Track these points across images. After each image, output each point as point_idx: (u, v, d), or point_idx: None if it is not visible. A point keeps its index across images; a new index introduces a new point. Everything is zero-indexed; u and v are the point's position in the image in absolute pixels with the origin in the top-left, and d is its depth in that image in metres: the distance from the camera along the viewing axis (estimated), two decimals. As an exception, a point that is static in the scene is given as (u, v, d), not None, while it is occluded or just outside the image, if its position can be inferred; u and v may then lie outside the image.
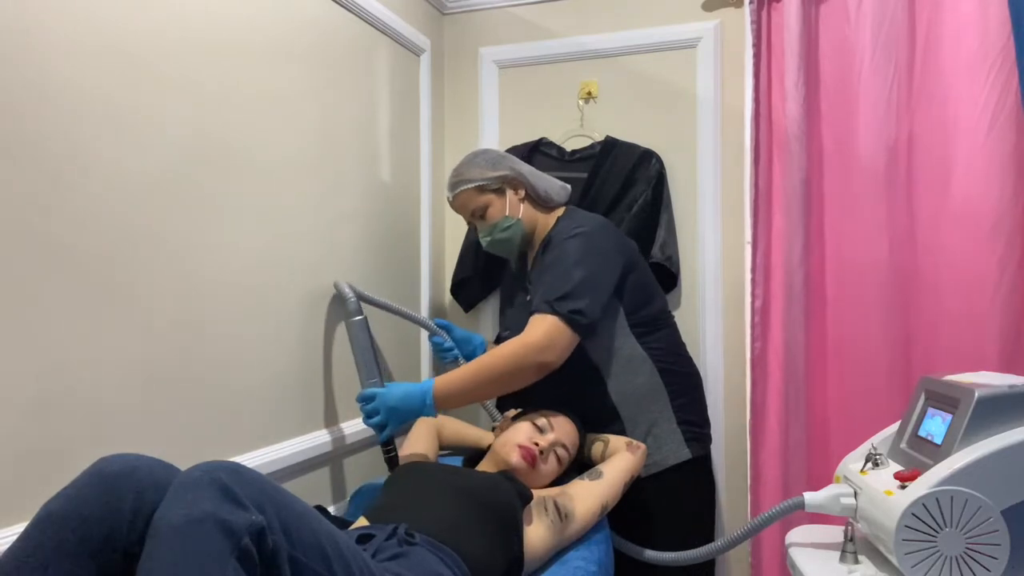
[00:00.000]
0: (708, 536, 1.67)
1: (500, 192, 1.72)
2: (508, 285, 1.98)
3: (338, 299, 1.75)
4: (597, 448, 1.66)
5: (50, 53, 1.09)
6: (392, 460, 1.61)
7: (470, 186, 1.72)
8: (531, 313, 1.55)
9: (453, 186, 1.75)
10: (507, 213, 1.71)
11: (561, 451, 1.55)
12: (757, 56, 1.91)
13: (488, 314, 2.32)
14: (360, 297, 1.73)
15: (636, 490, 1.62)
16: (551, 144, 2.19)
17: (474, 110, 2.33)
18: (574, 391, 1.64)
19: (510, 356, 1.51)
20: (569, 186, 1.84)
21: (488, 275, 2.22)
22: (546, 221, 1.75)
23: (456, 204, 1.77)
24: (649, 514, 1.65)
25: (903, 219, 1.80)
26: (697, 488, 1.72)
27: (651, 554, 1.58)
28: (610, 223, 1.74)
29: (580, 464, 1.64)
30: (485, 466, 1.57)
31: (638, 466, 1.61)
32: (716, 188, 2.07)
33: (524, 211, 1.73)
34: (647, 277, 1.75)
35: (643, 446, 1.64)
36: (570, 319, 1.51)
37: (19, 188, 1.05)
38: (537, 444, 1.51)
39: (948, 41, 1.75)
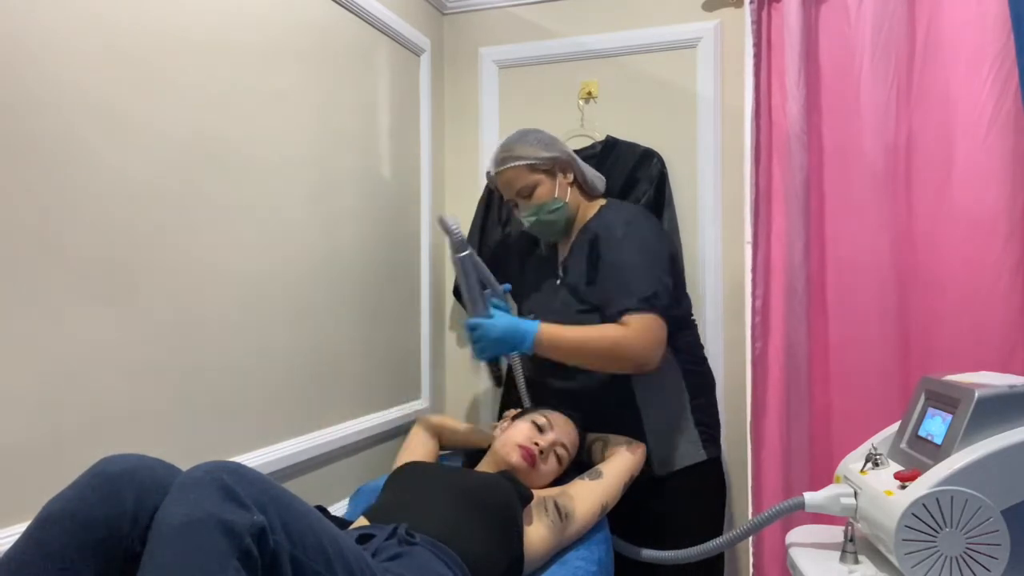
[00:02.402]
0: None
1: (551, 173, 1.71)
2: (534, 269, 1.92)
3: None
4: (596, 447, 1.67)
5: (50, 53, 1.09)
6: (497, 379, 1.68)
7: (521, 163, 1.70)
8: (621, 311, 1.55)
9: (501, 161, 1.72)
10: (555, 195, 1.70)
11: (561, 451, 1.55)
12: (757, 56, 1.91)
13: None
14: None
15: (650, 489, 1.63)
16: None
17: (474, 110, 2.32)
18: (602, 381, 1.65)
19: (618, 341, 1.54)
20: (604, 177, 1.86)
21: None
22: (586, 209, 1.76)
23: (501, 180, 1.74)
24: (663, 514, 1.66)
25: (903, 219, 1.80)
26: (710, 489, 1.73)
27: (648, 553, 1.58)
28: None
29: (579, 464, 1.64)
30: (485, 466, 1.57)
31: (637, 465, 1.61)
32: (716, 188, 2.07)
33: (571, 195, 1.73)
34: (681, 278, 1.78)
35: (643, 445, 1.65)
36: (664, 318, 1.56)
37: (19, 188, 1.05)
38: (537, 444, 1.51)
39: (948, 41, 1.75)
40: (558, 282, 1.75)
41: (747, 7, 1.92)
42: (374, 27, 1.92)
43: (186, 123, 1.32)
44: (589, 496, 1.50)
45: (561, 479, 1.58)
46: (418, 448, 1.74)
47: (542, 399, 1.76)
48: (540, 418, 1.57)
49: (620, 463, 1.58)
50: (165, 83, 1.28)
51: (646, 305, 1.54)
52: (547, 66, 2.24)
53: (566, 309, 1.68)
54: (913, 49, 1.79)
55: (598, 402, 1.65)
